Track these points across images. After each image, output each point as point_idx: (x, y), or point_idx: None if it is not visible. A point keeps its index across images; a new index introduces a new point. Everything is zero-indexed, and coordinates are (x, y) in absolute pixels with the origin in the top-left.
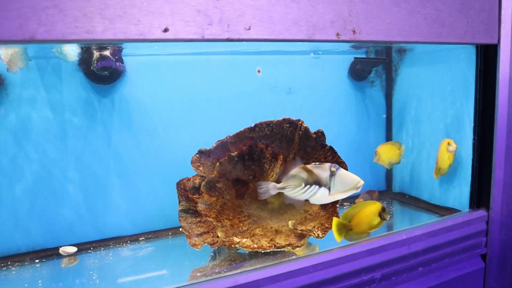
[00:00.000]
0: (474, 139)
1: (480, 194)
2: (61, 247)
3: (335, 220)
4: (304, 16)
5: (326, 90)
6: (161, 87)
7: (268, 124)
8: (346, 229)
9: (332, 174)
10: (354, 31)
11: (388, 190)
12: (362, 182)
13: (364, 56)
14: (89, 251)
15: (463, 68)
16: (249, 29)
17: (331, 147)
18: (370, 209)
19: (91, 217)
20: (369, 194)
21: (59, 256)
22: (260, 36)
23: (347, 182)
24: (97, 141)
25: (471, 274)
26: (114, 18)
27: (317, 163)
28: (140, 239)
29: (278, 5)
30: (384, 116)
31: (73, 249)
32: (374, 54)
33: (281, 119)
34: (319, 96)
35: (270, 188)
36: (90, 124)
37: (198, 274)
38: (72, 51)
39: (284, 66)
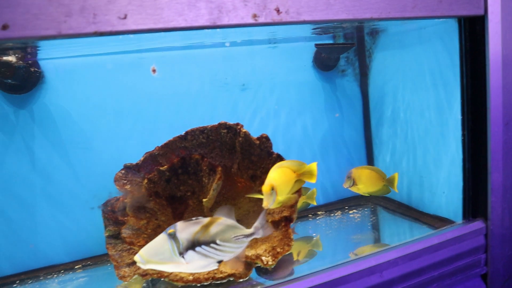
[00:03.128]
0: (463, 134)
1: (475, 202)
2: None
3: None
4: None
5: (288, 83)
6: (88, 92)
7: (202, 130)
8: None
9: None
10: (279, 11)
11: None
12: None
13: (331, 41)
14: (15, 285)
15: (446, 48)
16: (124, 18)
17: (278, 155)
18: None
19: (17, 246)
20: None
21: None
22: (141, 26)
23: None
24: (18, 158)
25: None
26: None
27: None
28: (76, 267)
29: None
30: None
31: None
32: (343, 38)
33: (216, 124)
34: (279, 92)
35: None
36: (7, 140)
37: None
38: None
39: (235, 59)
